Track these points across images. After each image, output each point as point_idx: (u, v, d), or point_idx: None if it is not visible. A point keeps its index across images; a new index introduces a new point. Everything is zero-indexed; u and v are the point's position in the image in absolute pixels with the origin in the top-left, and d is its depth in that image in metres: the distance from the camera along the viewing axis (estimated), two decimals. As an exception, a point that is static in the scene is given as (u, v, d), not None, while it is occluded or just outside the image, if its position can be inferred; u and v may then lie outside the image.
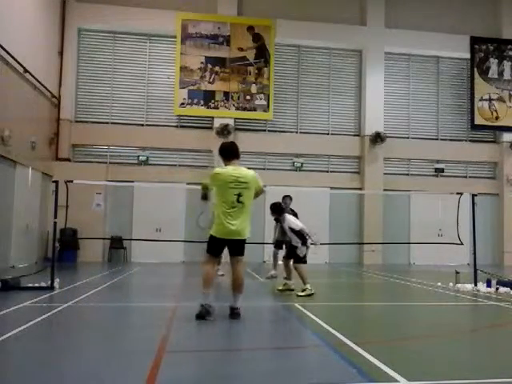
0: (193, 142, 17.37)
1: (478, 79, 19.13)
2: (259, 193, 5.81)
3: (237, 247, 5.65)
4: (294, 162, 17.81)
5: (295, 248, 7.93)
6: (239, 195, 5.47)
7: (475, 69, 19.14)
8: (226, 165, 5.71)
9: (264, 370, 3.67)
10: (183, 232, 16.61)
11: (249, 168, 5.81)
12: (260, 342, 4.84)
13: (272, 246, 10.39)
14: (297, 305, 6.55)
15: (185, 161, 17.62)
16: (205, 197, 6.01)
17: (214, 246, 5.64)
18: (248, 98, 17.59)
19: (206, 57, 17.46)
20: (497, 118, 19.12)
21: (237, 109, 17.50)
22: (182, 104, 17.25)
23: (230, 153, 5.73)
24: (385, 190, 17.79)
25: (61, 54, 16.60)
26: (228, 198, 5.47)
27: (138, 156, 17.26)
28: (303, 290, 7.73)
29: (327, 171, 18.41)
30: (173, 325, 5.34)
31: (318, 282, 10.64)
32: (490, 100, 19.18)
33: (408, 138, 19.06)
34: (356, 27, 18.48)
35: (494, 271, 11.23)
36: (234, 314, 5.57)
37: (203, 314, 5.42)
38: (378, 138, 17.88)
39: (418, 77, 19.30)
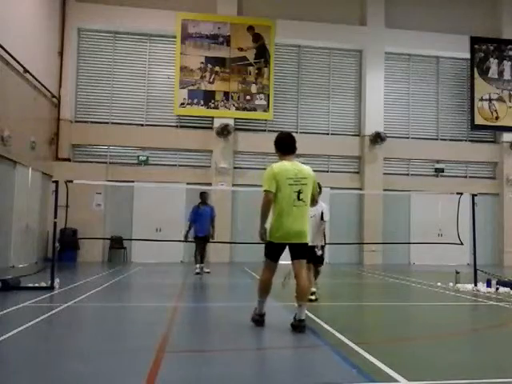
0: (193, 142, 17.36)
1: (477, 79, 19.12)
2: (315, 194, 5.31)
3: (300, 250, 5.09)
4: (294, 162, 17.80)
5: (314, 248, 7.15)
6: (299, 192, 4.96)
7: (475, 69, 19.14)
8: (281, 159, 5.18)
9: (264, 370, 3.67)
10: (183, 232, 16.58)
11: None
12: (260, 341, 4.84)
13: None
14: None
15: (185, 161, 17.61)
16: (264, 234, 5.09)
17: (273, 251, 5.09)
18: (248, 98, 17.59)
19: (206, 57, 17.45)
20: (497, 118, 19.11)
21: (237, 109, 17.50)
22: (182, 104, 17.25)
23: (288, 146, 5.20)
24: (385, 190, 17.79)
25: (61, 54, 16.58)
26: (289, 196, 4.95)
27: (138, 156, 17.25)
28: (313, 293, 7.15)
29: (327, 171, 18.40)
30: (173, 325, 5.34)
31: (318, 282, 10.64)
32: (490, 100, 19.17)
33: (408, 137, 19.06)
34: (356, 27, 18.48)
35: (494, 271, 11.23)
36: (301, 326, 4.91)
37: (257, 321, 5.21)
38: (378, 138, 17.87)
39: (417, 77, 19.30)
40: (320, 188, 6.81)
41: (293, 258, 5.12)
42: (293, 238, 5.01)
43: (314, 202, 5.46)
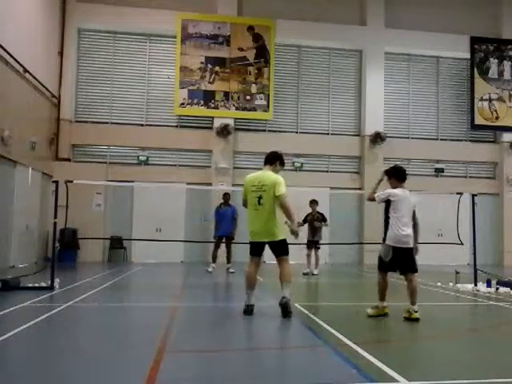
0: (193, 142, 17.36)
1: (478, 79, 19.12)
2: (279, 199, 5.73)
3: (276, 248, 5.89)
4: (294, 162, 17.81)
5: (412, 250, 5.90)
6: (260, 198, 5.80)
7: (475, 69, 19.13)
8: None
9: (264, 370, 3.67)
10: (183, 232, 16.63)
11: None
12: (260, 342, 4.85)
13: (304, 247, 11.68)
14: (297, 305, 6.55)
15: (185, 161, 17.61)
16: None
17: (252, 248, 6.00)
18: (248, 98, 17.58)
19: (205, 57, 17.45)
20: (497, 117, 19.11)
21: (237, 109, 17.50)
22: (182, 104, 17.25)
23: (265, 159, 6.22)
24: (385, 190, 17.75)
25: (61, 54, 16.58)
26: (251, 201, 5.88)
27: (138, 156, 17.25)
28: (411, 312, 5.64)
29: (327, 171, 18.40)
30: (173, 325, 5.34)
31: (318, 282, 10.65)
32: (490, 100, 19.17)
33: (408, 138, 19.05)
34: (356, 27, 18.47)
35: (494, 271, 11.24)
36: (282, 303, 5.70)
37: (245, 311, 5.79)
38: (377, 138, 17.88)
39: (417, 77, 19.29)
40: (404, 175, 6.05)
41: (274, 255, 5.96)
42: (258, 236, 5.86)
43: (281, 206, 5.78)
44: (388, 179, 6.17)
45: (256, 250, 5.96)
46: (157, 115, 17.61)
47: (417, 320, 5.56)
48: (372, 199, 6.16)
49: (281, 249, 5.89)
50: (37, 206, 14.70)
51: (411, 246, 5.89)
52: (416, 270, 5.91)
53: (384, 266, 6.08)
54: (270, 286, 9.04)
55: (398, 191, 6.00)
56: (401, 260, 5.89)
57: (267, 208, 5.78)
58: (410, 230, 5.89)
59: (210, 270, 11.94)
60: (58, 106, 16.50)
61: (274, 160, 6.17)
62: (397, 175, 6.11)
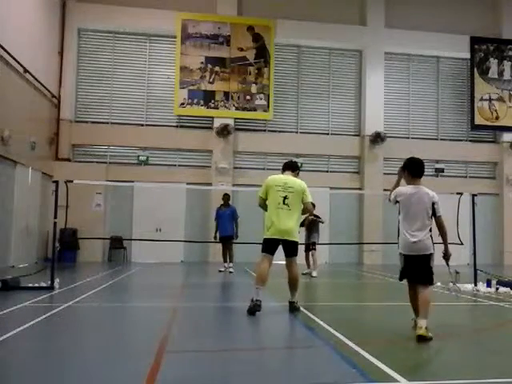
0: (193, 142, 17.37)
1: (478, 79, 19.12)
2: (306, 206, 6.19)
3: (289, 248, 6.12)
4: (294, 162, 17.81)
5: (429, 258, 5.18)
6: (285, 198, 6.06)
7: (475, 69, 19.14)
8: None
9: (264, 370, 3.67)
10: (183, 232, 16.63)
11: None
12: (260, 342, 4.85)
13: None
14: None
15: (185, 161, 17.61)
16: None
17: (267, 246, 6.13)
18: (248, 98, 17.58)
19: (206, 57, 17.45)
20: (497, 117, 19.11)
21: (237, 109, 17.50)
22: (182, 104, 17.25)
23: (284, 166, 6.61)
24: (385, 190, 17.73)
25: (61, 53, 16.59)
26: (275, 200, 6.09)
27: (138, 156, 17.25)
28: (417, 326, 4.71)
29: (327, 171, 18.40)
30: (173, 325, 5.34)
31: (318, 282, 10.65)
32: (490, 100, 19.17)
33: (408, 138, 19.05)
34: (356, 27, 18.48)
35: (494, 271, 11.23)
36: (292, 307, 6.15)
37: (253, 309, 5.80)
38: (377, 138, 17.88)
39: (417, 77, 19.30)
40: (418, 168, 5.24)
41: (285, 255, 6.16)
42: (278, 234, 6.03)
43: (307, 211, 6.40)
44: (403, 174, 5.26)
45: (271, 247, 6.11)
46: (157, 115, 17.61)
47: (424, 339, 4.53)
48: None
49: (294, 249, 6.15)
50: (37, 206, 14.70)
51: (425, 253, 5.15)
52: (430, 283, 5.23)
53: (402, 275, 5.29)
54: (271, 287, 9.04)
55: (404, 188, 5.14)
56: (412, 269, 5.16)
57: (293, 209, 6.08)
58: (422, 235, 5.08)
59: (221, 269, 12.24)
60: (58, 106, 16.50)
61: (295, 168, 6.59)
62: (409, 168, 5.15)
